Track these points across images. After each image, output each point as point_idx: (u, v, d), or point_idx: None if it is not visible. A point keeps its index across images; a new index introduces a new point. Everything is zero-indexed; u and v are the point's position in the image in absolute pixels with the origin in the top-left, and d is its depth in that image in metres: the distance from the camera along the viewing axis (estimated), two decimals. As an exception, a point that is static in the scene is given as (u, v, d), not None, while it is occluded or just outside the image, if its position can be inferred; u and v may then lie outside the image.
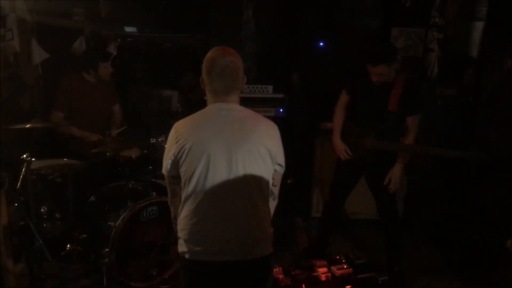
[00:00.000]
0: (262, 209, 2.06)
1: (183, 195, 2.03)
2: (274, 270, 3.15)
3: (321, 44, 4.73)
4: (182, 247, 2.03)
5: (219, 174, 1.95)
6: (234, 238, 1.98)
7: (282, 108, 4.45)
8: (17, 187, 3.17)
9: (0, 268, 2.98)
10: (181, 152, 1.98)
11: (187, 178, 1.99)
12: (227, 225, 1.98)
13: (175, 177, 2.07)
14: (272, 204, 2.17)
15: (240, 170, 1.96)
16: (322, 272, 3.22)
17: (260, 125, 2.07)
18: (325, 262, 3.33)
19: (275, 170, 2.10)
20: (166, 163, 2.05)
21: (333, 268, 3.26)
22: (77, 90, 3.95)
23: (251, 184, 1.99)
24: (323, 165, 4.38)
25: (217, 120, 2.02)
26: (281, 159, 2.11)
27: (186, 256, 2.00)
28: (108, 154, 3.57)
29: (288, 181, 4.49)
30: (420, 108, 3.33)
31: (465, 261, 3.94)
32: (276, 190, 2.18)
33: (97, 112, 4.04)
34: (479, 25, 4.42)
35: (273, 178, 2.12)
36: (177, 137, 2.01)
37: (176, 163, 2.02)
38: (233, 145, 1.97)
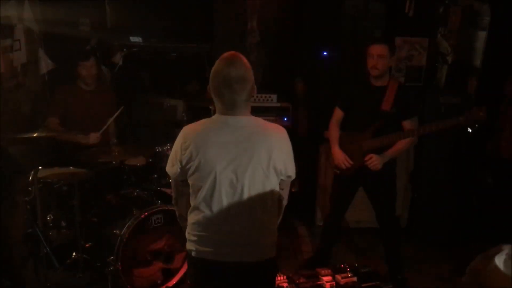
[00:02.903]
0: (266, 219, 2.12)
1: (191, 202, 2.12)
2: (279, 278, 3.15)
3: (325, 53, 4.76)
4: (189, 246, 2.14)
5: (224, 192, 2.02)
6: (236, 243, 2.06)
7: (286, 117, 4.47)
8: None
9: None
10: (189, 165, 2.04)
11: (194, 191, 2.08)
12: (231, 232, 2.06)
13: (183, 180, 2.13)
14: (280, 205, 2.23)
15: (245, 189, 2.02)
16: (326, 280, 3.21)
17: (268, 139, 2.07)
18: (329, 271, 3.32)
19: (282, 180, 2.14)
20: (174, 168, 2.10)
21: (338, 277, 3.25)
22: (70, 98, 3.96)
23: (255, 201, 2.05)
24: (327, 173, 4.38)
25: (224, 137, 2.03)
26: (290, 170, 2.15)
27: (193, 254, 2.11)
28: (114, 162, 3.59)
29: (293, 190, 4.50)
30: (415, 111, 3.35)
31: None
32: (284, 193, 2.23)
33: (90, 120, 3.98)
34: (482, 34, 4.45)
35: (281, 186, 2.17)
36: (185, 142, 2.05)
37: (184, 172, 2.08)
38: (239, 165, 2.01)
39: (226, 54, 2.10)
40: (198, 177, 2.03)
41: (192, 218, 2.12)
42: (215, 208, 2.03)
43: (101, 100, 4.10)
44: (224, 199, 2.02)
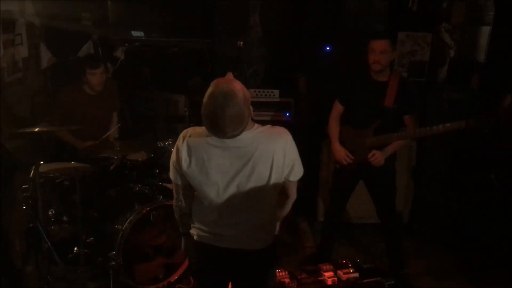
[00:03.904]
0: (265, 216, 2.20)
1: (195, 203, 2.23)
2: (280, 274, 3.16)
3: (328, 48, 4.74)
4: (192, 231, 2.27)
5: (227, 201, 2.09)
6: (235, 235, 2.16)
7: (288, 112, 4.46)
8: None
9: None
10: (192, 179, 2.10)
11: (198, 195, 2.18)
12: (231, 227, 2.16)
13: (188, 184, 2.17)
14: (287, 202, 2.26)
15: (247, 197, 2.08)
16: (328, 276, 3.21)
17: (269, 152, 2.03)
18: (331, 266, 3.32)
19: (285, 182, 2.16)
20: (178, 180, 2.16)
21: (339, 273, 3.25)
22: (73, 103, 3.85)
23: (256, 204, 2.13)
24: (329, 169, 4.36)
25: (224, 157, 2.04)
26: (293, 176, 2.14)
27: (195, 237, 2.25)
28: (115, 157, 3.59)
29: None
30: (416, 106, 3.33)
31: (474, 264, 3.93)
32: (290, 191, 2.23)
33: (94, 122, 3.94)
34: (486, 30, 4.41)
35: (285, 185, 2.19)
36: (188, 158, 2.06)
37: (187, 181, 2.14)
38: (240, 181, 2.05)
39: (218, 90, 1.89)
40: (201, 193, 2.12)
41: (195, 214, 2.24)
42: (218, 212, 2.12)
43: (105, 104, 4.05)
44: (227, 205, 2.10)
